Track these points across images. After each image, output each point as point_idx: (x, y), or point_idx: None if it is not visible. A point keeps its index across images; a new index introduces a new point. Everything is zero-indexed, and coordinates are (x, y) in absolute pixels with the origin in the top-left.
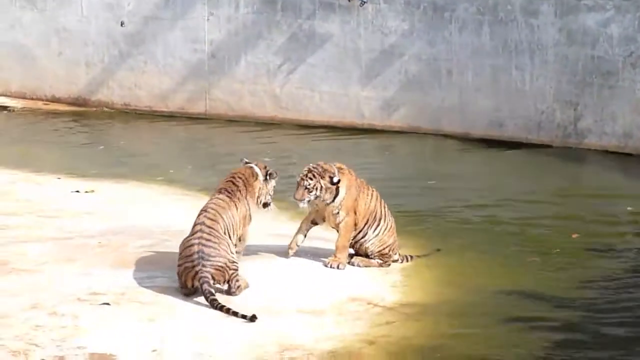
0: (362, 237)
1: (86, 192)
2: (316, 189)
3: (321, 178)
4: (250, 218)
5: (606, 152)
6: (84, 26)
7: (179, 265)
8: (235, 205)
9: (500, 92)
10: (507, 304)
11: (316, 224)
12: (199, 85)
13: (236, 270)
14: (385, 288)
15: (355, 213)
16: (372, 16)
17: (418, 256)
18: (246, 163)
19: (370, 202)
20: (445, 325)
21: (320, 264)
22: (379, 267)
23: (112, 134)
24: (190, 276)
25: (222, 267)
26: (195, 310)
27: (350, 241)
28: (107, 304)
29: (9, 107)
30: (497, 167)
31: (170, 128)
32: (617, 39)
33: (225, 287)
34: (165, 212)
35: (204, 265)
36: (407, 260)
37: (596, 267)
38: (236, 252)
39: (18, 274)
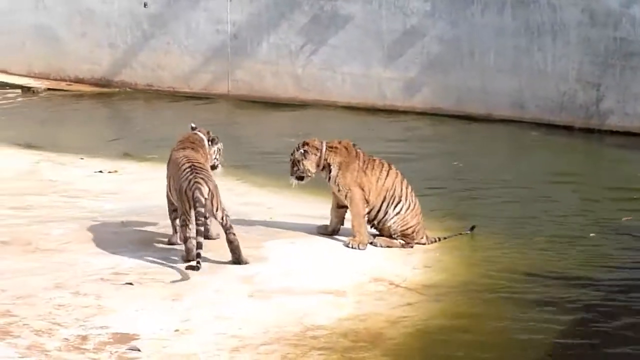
0: (383, 216)
1: (109, 172)
2: (295, 162)
3: (296, 151)
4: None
5: (628, 134)
6: (107, 7)
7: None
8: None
9: (523, 73)
10: (531, 286)
11: (344, 206)
12: (222, 66)
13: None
14: (407, 269)
15: (362, 189)
16: None
17: (445, 238)
18: (192, 129)
19: (386, 179)
20: (467, 306)
21: (342, 244)
22: (401, 247)
23: (135, 114)
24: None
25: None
26: (217, 290)
27: (373, 221)
28: (130, 283)
29: (32, 87)
30: (521, 148)
31: (193, 109)
32: (639, 20)
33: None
34: None
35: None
36: (436, 241)
37: (630, 249)
38: None
39: (41, 254)
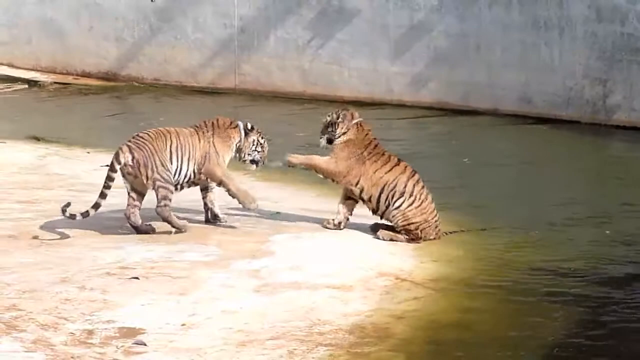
0: (385, 209)
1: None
2: (330, 124)
3: (334, 114)
4: (217, 161)
5: (635, 129)
6: (114, 1)
7: None
8: (198, 137)
9: (529, 68)
10: (539, 281)
11: (350, 199)
12: (229, 61)
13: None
14: (414, 263)
15: (345, 168)
16: None
17: (451, 232)
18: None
19: (387, 172)
20: (474, 301)
21: (348, 239)
22: (406, 242)
23: (142, 108)
24: None
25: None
26: (224, 285)
27: (377, 212)
28: (137, 277)
29: (39, 81)
30: (529, 143)
31: (200, 103)
32: None
33: None
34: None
35: None
36: (447, 234)
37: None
38: (209, 188)
39: (47, 248)
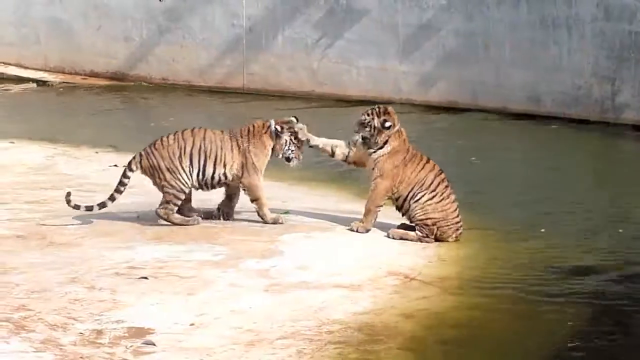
0: (410, 199)
1: (124, 166)
2: (370, 126)
3: (377, 117)
4: (255, 171)
5: None
6: (122, 0)
7: None
8: (231, 143)
9: (538, 67)
10: (548, 280)
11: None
12: (237, 60)
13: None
14: (423, 263)
15: (392, 180)
16: None
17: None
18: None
19: (419, 172)
20: (482, 300)
21: (357, 238)
22: (416, 240)
23: (150, 108)
24: None
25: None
26: (233, 284)
27: (401, 210)
28: (145, 277)
29: (47, 81)
30: (538, 142)
31: (208, 102)
32: None
33: None
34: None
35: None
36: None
37: None
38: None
39: (56, 248)
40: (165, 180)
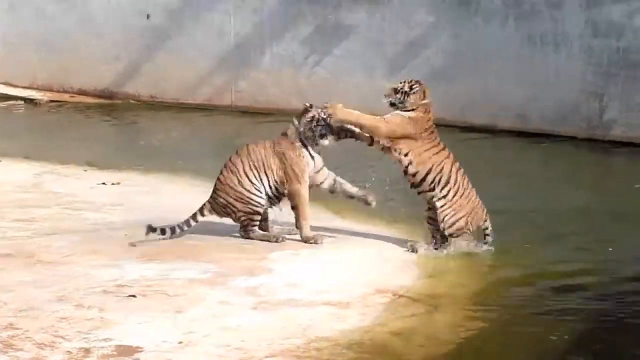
0: (429, 190)
1: (112, 184)
2: (400, 92)
3: (408, 83)
4: (297, 176)
5: (632, 144)
6: (110, 18)
7: None
8: (273, 152)
9: (526, 84)
10: (539, 297)
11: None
12: (225, 77)
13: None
14: (412, 279)
15: (392, 130)
16: (398, 8)
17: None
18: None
19: (437, 155)
20: (471, 317)
21: (347, 256)
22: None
23: (139, 126)
24: None
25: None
26: (221, 302)
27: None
28: (134, 295)
29: (35, 99)
30: (527, 159)
31: (197, 120)
32: None
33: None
34: (192, 205)
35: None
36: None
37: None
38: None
39: (44, 266)
40: (239, 210)
